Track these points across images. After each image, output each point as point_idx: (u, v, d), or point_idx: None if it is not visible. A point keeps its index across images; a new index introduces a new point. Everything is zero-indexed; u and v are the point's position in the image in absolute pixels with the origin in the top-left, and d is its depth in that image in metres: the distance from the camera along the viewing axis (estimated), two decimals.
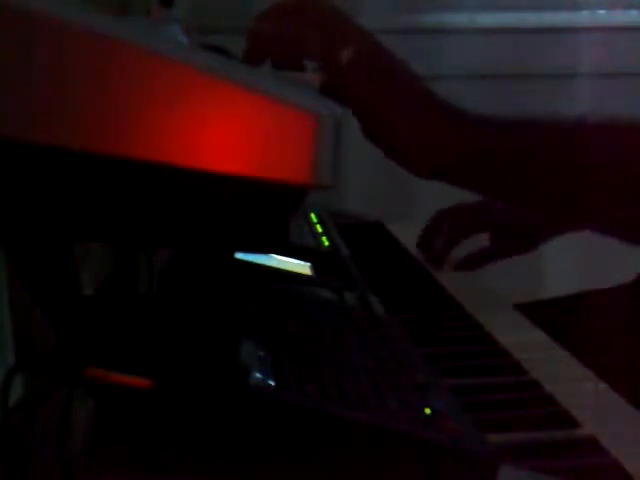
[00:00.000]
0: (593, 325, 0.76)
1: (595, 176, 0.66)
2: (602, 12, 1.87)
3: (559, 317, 0.78)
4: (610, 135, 0.68)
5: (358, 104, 0.65)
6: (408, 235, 1.05)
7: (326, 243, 0.89)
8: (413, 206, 1.59)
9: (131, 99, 0.36)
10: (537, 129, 0.68)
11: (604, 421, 0.54)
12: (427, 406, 0.47)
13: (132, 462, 0.41)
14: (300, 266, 0.74)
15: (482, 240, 0.97)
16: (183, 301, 0.48)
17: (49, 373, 0.44)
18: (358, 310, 0.67)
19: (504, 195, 0.72)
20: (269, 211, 0.40)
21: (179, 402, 0.42)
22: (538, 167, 0.67)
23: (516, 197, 0.71)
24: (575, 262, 1.72)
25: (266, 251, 0.63)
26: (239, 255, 0.61)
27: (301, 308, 0.60)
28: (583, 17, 1.87)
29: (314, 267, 0.75)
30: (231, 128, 0.36)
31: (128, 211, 0.39)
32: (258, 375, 0.44)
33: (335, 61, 0.64)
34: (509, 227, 0.96)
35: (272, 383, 0.44)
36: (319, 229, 0.94)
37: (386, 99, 0.65)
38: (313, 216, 0.99)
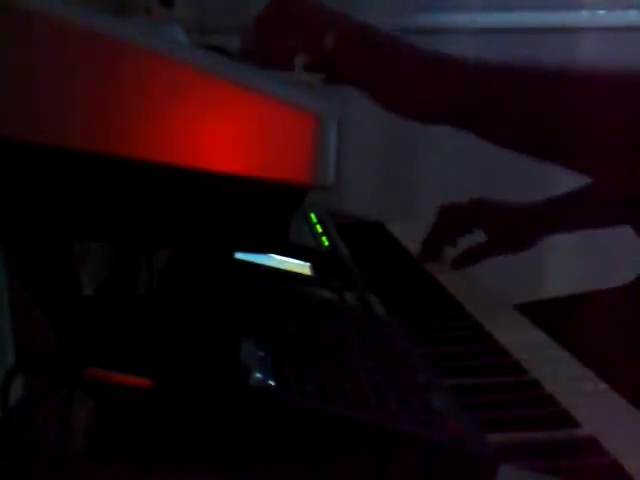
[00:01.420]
0: (593, 325, 0.76)
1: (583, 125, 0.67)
2: (602, 12, 1.87)
3: (559, 317, 0.78)
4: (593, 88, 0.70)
5: (355, 80, 0.69)
6: (408, 235, 1.05)
7: (326, 243, 0.89)
8: (413, 206, 1.59)
9: (131, 99, 0.36)
10: (531, 76, 0.71)
11: (604, 421, 0.54)
12: (427, 406, 0.47)
13: (132, 462, 0.41)
14: (300, 266, 0.74)
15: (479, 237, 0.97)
16: (183, 301, 0.48)
17: (49, 373, 0.44)
18: (358, 310, 0.67)
19: (505, 141, 0.73)
20: (269, 211, 0.40)
21: (179, 402, 0.42)
22: (531, 113, 0.69)
23: (517, 144, 0.72)
24: (575, 262, 1.72)
25: (266, 251, 0.63)
26: (239, 255, 0.61)
27: (301, 308, 0.60)
28: (583, 17, 1.87)
29: (314, 267, 0.76)
30: (231, 128, 0.36)
31: (128, 211, 0.39)
32: (258, 375, 0.44)
33: (321, 51, 0.67)
34: (502, 223, 0.95)
35: (272, 383, 0.44)
36: (319, 229, 0.94)
37: (378, 69, 0.69)
38: (313, 216, 0.99)
